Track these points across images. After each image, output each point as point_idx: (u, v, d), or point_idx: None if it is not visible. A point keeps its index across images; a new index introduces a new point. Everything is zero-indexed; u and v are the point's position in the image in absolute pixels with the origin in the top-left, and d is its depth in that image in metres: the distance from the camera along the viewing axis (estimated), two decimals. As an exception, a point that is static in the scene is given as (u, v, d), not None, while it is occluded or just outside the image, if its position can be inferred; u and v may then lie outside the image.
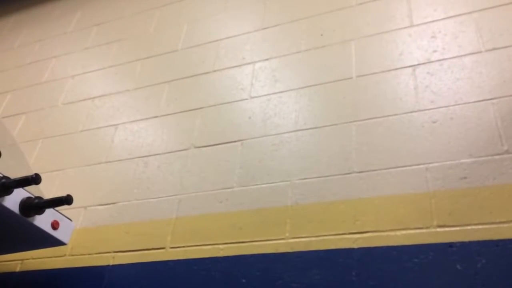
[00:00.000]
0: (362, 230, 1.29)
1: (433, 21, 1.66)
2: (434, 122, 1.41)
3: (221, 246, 1.43)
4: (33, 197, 1.35)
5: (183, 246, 1.49)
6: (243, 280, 1.34)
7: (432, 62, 1.55)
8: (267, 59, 1.88)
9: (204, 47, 2.07)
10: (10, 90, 2.44)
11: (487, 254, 1.13)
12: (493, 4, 1.59)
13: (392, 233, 1.26)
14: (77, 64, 2.38)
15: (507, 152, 1.27)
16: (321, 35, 1.83)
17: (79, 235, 1.66)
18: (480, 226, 1.18)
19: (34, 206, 1.33)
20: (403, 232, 1.25)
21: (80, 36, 2.54)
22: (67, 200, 1.33)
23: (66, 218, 1.46)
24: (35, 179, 1.26)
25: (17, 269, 1.68)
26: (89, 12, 2.67)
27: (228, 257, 1.40)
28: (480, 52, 1.50)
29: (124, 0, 2.60)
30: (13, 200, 1.30)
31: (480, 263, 1.13)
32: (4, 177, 1.27)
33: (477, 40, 1.53)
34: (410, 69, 1.57)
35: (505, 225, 1.16)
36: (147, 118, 1.94)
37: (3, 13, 3.06)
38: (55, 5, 2.88)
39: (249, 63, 1.90)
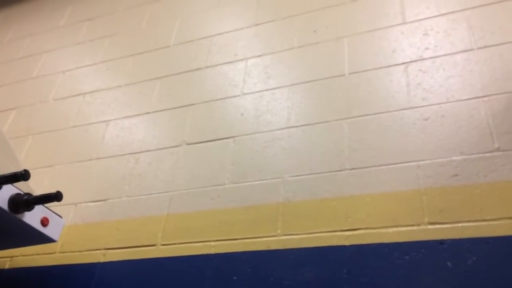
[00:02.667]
0: (353, 227, 1.30)
1: (426, 18, 1.66)
2: (426, 120, 1.41)
3: (212, 243, 1.43)
4: (22, 193, 1.34)
5: (174, 243, 1.48)
6: (235, 277, 1.33)
7: (424, 59, 1.55)
8: (259, 56, 1.87)
9: (197, 43, 2.06)
10: (0, 85, 2.42)
11: (477, 252, 1.14)
12: (485, 2, 1.59)
13: (383, 230, 1.26)
14: (68, 59, 2.36)
15: (498, 149, 1.28)
16: (314, 31, 1.83)
17: (69, 232, 1.65)
18: (471, 224, 1.19)
19: (23, 202, 1.32)
20: (395, 229, 1.25)
21: (72, 31, 2.51)
22: (56, 196, 1.32)
23: (56, 215, 1.45)
24: (24, 175, 1.24)
25: (6, 266, 1.66)
26: (80, 7, 2.65)
27: (219, 254, 1.39)
28: (472, 50, 1.51)
29: (116, -5, 2.58)
30: (2, 197, 1.29)
31: (471, 260, 1.13)
32: (-7, 173, 1.25)
33: (469, 38, 1.54)
34: (403, 66, 1.57)
35: (496, 222, 1.16)
36: (138, 114, 1.92)
37: (-7, 8, 3.03)
38: (46, 0, 2.85)
39: (241, 60, 1.89)
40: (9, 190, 1.31)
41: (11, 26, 2.80)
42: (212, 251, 1.41)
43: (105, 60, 2.24)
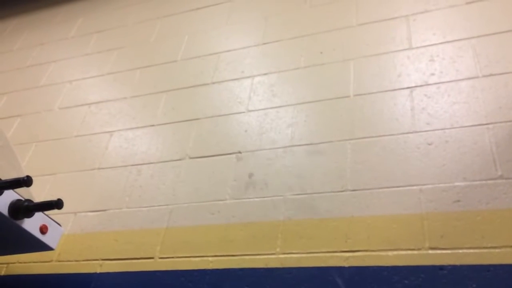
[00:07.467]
0: (353, 249, 1.29)
1: (432, 44, 1.67)
2: (430, 144, 1.42)
3: (210, 259, 1.42)
4: (23, 199, 1.34)
5: (172, 257, 1.47)
6: (231, 294, 1.32)
7: (429, 85, 1.56)
8: (266, 74, 1.88)
9: (204, 59, 2.08)
10: (6, 92, 2.44)
11: (478, 279, 1.12)
12: (491, 31, 1.61)
13: (383, 253, 1.25)
14: (76, 69, 2.38)
15: (501, 177, 1.27)
16: (321, 53, 1.84)
17: (68, 241, 1.64)
18: (471, 250, 1.18)
19: (24, 209, 1.31)
20: (395, 252, 1.24)
21: (81, 42, 2.54)
22: (57, 204, 1.31)
23: (55, 223, 1.44)
24: (26, 181, 1.24)
25: (2, 273, 1.65)
26: (91, 18, 2.68)
27: (217, 270, 1.38)
28: (477, 77, 1.52)
29: (126, 9, 2.62)
30: (2, 202, 1.28)
31: (471, 287, 1.12)
32: (-5, 178, 1.26)
33: (475, 65, 1.55)
34: (408, 90, 1.58)
35: (497, 250, 1.15)
36: (143, 126, 1.93)
37: (5, 15, 3.07)
38: (58, 10, 2.89)
39: (248, 77, 1.91)
40: (10, 195, 1.31)
41: (21, 34, 2.83)
42: (209, 266, 1.40)
43: (113, 72, 2.26)
